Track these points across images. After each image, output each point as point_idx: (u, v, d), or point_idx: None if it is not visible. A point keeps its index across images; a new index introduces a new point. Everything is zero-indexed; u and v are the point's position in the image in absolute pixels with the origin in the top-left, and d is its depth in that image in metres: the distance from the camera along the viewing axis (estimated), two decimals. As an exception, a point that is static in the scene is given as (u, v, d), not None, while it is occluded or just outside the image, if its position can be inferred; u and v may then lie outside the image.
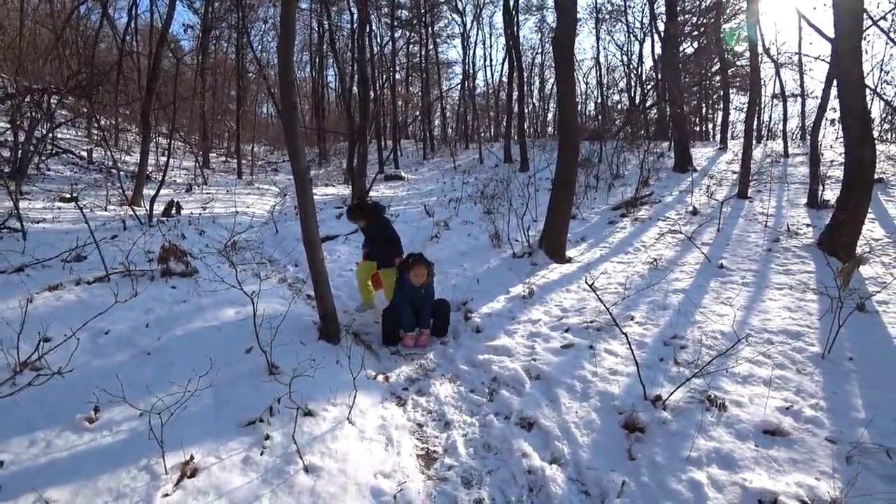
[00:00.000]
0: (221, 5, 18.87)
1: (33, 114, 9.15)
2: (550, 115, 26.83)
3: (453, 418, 2.98)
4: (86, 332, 3.74)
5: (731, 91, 18.96)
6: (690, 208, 7.89)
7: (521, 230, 6.04)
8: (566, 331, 3.84)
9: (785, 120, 15.37)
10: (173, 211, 8.69)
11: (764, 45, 14.16)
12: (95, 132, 12.73)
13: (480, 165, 14.80)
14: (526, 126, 15.31)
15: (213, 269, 4.85)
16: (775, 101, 19.62)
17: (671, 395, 2.83)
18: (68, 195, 8.69)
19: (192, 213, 8.81)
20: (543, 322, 4.04)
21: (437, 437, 2.85)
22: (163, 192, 10.64)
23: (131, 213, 7.56)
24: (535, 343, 3.69)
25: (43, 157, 10.44)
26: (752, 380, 3.03)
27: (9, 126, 8.85)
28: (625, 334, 3.17)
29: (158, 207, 8.48)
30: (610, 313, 3.26)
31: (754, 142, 15.71)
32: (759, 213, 7.59)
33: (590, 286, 3.51)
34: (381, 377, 3.44)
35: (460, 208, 8.82)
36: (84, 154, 11.93)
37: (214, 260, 6.17)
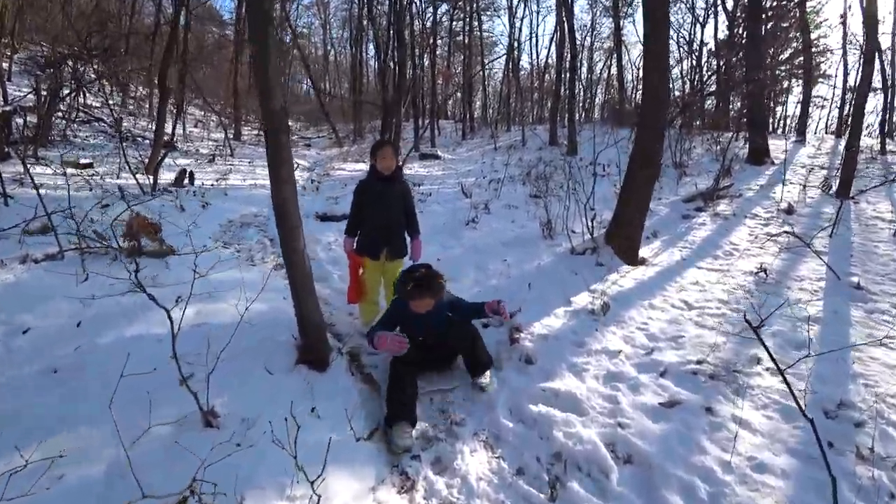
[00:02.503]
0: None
1: (58, 78, 8.58)
2: (598, 101, 25.01)
3: (491, 528, 1.78)
4: (1, 329, 2.81)
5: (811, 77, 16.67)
6: (784, 205, 6.39)
7: (584, 219, 4.73)
8: (662, 374, 2.56)
9: (884, 111, 13.20)
10: (185, 180, 7.86)
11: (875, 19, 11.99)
12: (108, 96, 12.18)
13: (523, 147, 13.43)
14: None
15: (181, 250, 3.90)
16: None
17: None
18: (79, 161, 8.07)
19: (203, 184, 7.93)
20: (625, 355, 2.74)
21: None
22: (183, 161, 9.91)
23: (134, 181, 6.73)
24: (618, 393, 2.41)
25: (70, 123, 9.90)
26: None
27: (30, 90, 8.29)
28: (807, 417, 1.88)
29: (170, 176, 7.70)
30: (776, 364, 2.01)
31: (834, 137, 13.65)
32: (873, 218, 6.06)
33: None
34: (378, 433, 2.22)
35: (502, 190, 7.55)
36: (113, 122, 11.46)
37: (209, 238, 5.26)
